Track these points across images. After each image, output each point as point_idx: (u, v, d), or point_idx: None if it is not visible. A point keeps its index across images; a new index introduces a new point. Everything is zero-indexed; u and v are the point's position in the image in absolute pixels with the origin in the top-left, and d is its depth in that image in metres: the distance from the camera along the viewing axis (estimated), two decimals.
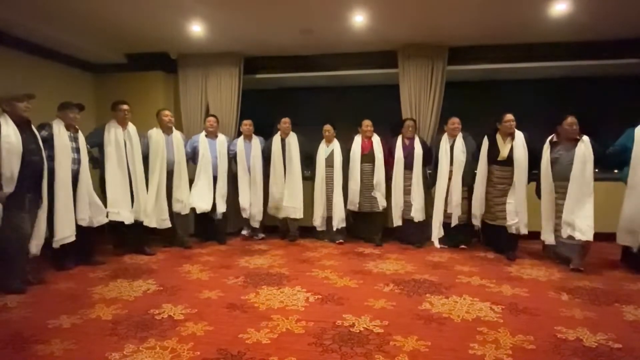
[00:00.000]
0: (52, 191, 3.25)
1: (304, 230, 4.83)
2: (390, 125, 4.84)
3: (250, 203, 4.67)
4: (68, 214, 3.38)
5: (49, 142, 3.28)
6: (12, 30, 3.97)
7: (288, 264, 3.78)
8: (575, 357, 2.09)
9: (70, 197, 3.40)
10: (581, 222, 3.43)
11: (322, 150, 4.67)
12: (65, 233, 3.34)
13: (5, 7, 3.51)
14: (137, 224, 3.97)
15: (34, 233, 3.12)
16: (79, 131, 3.61)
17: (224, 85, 5.18)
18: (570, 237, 3.50)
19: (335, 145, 4.64)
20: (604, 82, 5.24)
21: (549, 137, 3.76)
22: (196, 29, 4.22)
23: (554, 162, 3.66)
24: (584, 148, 3.51)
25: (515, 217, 3.85)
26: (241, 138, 4.73)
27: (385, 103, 5.10)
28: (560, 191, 3.62)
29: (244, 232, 4.86)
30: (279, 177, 4.67)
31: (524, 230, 3.88)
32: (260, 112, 5.01)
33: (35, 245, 3.13)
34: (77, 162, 3.51)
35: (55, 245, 3.30)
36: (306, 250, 4.32)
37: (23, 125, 3.00)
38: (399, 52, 4.87)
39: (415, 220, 4.37)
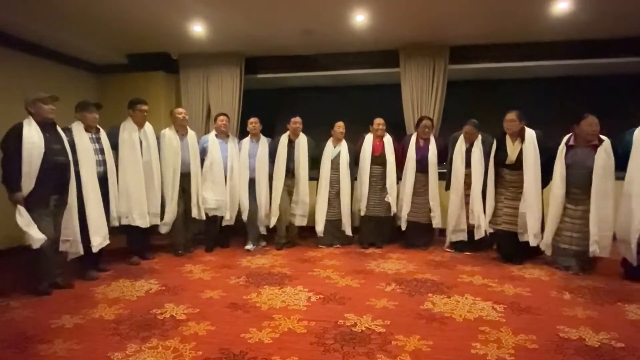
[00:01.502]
0: (81, 196, 3.20)
1: (305, 230, 4.82)
2: (393, 126, 4.81)
3: (248, 208, 4.35)
4: (100, 219, 3.31)
5: (71, 147, 3.20)
6: (14, 31, 4.00)
7: (290, 264, 3.79)
8: (578, 356, 2.09)
9: (99, 201, 3.32)
10: (602, 239, 3.28)
11: (329, 151, 4.40)
12: (98, 240, 3.29)
13: (7, 8, 3.52)
14: (142, 228, 3.78)
15: (68, 235, 3.10)
16: (101, 130, 3.50)
17: (225, 85, 5.19)
18: (572, 244, 3.43)
19: (343, 146, 4.39)
20: (606, 81, 5.22)
21: (565, 139, 3.48)
22: (197, 29, 4.23)
23: (568, 167, 3.40)
24: (605, 156, 3.26)
25: (532, 227, 3.56)
26: (247, 138, 4.43)
27: (386, 102, 5.09)
28: (572, 197, 3.43)
29: (248, 247, 4.39)
30: (280, 180, 4.34)
31: (534, 241, 3.59)
32: (262, 112, 4.99)
33: (71, 247, 3.12)
34: (102, 163, 3.41)
35: (95, 250, 3.26)
36: (308, 250, 4.32)
37: (47, 126, 3.00)
38: (400, 52, 4.87)
39: (435, 226, 4.22)
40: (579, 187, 3.40)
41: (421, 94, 4.86)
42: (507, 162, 3.69)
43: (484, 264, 3.77)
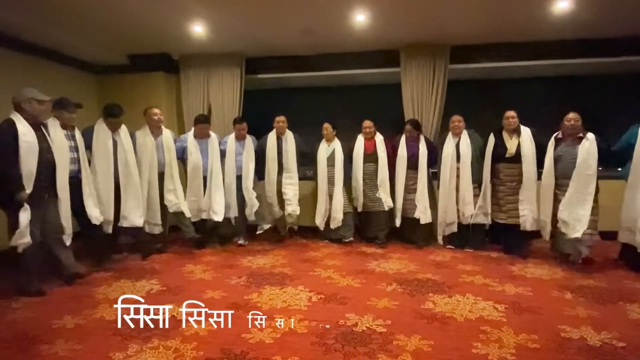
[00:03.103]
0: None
1: (307, 230, 4.83)
2: (393, 125, 4.82)
3: (232, 204, 4.41)
4: (67, 220, 3.25)
5: None
6: (15, 32, 3.99)
7: (290, 264, 3.79)
8: (579, 356, 2.09)
9: (68, 199, 3.25)
10: (572, 220, 3.43)
11: (323, 150, 4.60)
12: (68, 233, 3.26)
13: (7, 9, 3.52)
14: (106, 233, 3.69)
15: (64, 227, 3.13)
16: (76, 129, 3.49)
17: (225, 85, 5.19)
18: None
19: (337, 144, 4.58)
20: (608, 80, 5.21)
21: (555, 134, 3.72)
22: (198, 29, 4.22)
23: (557, 159, 3.64)
24: (588, 146, 3.47)
25: (528, 215, 3.81)
26: (232, 136, 4.50)
27: (387, 102, 5.09)
28: (563, 189, 3.60)
29: (240, 241, 4.54)
30: (273, 177, 4.50)
31: (531, 227, 3.82)
32: (262, 112, 5.01)
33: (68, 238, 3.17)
34: (75, 161, 3.39)
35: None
36: (309, 250, 4.32)
37: (35, 124, 2.98)
38: (401, 51, 4.86)
39: (422, 222, 4.29)
40: (568, 177, 3.55)
41: (422, 94, 4.85)
42: (507, 155, 3.89)
43: (485, 263, 3.77)
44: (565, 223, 3.50)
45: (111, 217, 3.66)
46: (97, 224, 3.49)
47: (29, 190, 2.84)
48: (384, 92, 5.34)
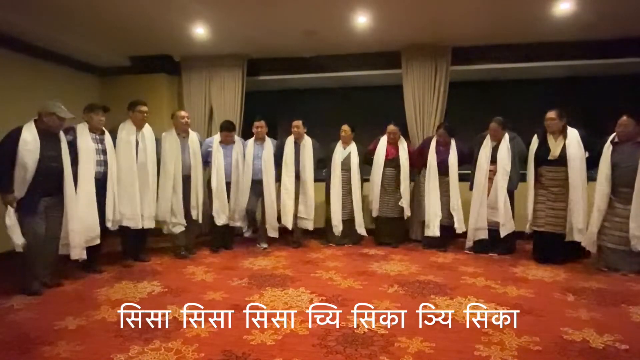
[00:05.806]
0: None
1: (309, 231, 4.82)
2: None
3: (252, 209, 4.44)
4: (91, 219, 3.29)
5: (73, 146, 3.24)
6: (18, 34, 4.00)
7: (292, 266, 3.78)
8: (582, 358, 2.08)
9: (93, 201, 3.31)
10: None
11: (339, 152, 4.50)
12: (89, 235, 3.28)
13: (10, 11, 3.54)
14: (137, 230, 3.77)
15: (62, 236, 3.14)
16: (106, 132, 3.54)
17: (227, 87, 5.20)
18: (621, 244, 3.36)
19: (353, 147, 4.49)
20: (610, 82, 5.19)
21: (610, 137, 3.43)
22: (199, 31, 4.24)
23: (614, 165, 3.36)
24: None
25: (575, 225, 3.52)
26: (252, 140, 4.47)
27: (388, 104, 5.09)
28: (621, 196, 3.36)
29: (246, 233, 4.53)
30: (290, 183, 4.41)
31: (579, 237, 3.55)
32: (264, 114, 5.01)
33: (65, 247, 3.16)
34: (103, 163, 3.45)
35: (78, 251, 3.21)
36: (310, 252, 4.31)
37: (47, 133, 3.02)
38: (402, 53, 4.86)
39: (458, 231, 4.13)
40: (627, 186, 3.32)
41: (423, 96, 4.84)
42: (549, 158, 3.63)
43: (487, 265, 3.76)
44: (637, 237, 3.24)
45: (137, 212, 3.69)
46: (111, 228, 3.55)
47: (19, 195, 2.90)
48: (386, 94, 5.34)
